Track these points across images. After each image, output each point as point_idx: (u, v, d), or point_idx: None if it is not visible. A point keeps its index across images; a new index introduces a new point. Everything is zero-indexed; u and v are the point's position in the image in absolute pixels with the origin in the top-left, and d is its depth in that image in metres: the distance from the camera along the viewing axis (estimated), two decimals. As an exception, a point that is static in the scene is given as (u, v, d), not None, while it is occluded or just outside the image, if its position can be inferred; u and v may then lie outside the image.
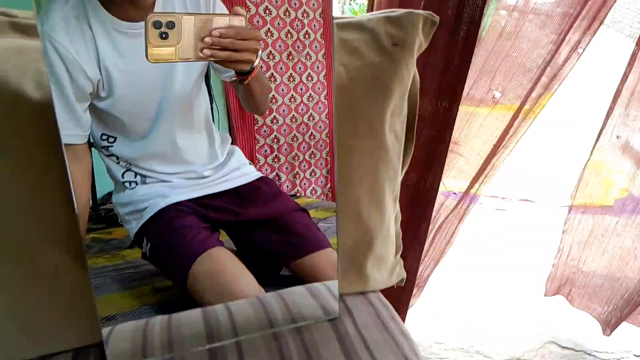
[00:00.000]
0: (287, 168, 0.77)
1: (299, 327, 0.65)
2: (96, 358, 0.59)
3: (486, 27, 1.11)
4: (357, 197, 0.69)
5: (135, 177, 0.67)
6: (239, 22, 0.53)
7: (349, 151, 0.65)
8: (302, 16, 0.68)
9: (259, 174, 0.73)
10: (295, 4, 0.68)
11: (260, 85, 0.61)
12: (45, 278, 0.56)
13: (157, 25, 0.52)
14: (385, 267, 0.80)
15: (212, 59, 0.54)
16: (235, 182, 0.73)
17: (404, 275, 0.87)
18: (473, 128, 1.20)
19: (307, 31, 0.68)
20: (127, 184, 0.66)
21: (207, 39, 0.53)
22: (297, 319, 0.67)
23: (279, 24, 0.73)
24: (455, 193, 1.29)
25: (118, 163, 0.64)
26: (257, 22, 0.84)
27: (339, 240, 0.69)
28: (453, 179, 1.27)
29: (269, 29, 0.70)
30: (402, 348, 0.65)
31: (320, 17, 0.66)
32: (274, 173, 0.75)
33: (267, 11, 0.74)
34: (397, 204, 0.81)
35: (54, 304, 0.58)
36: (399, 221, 0.84)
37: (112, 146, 0.64)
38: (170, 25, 0.52)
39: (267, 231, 0.72)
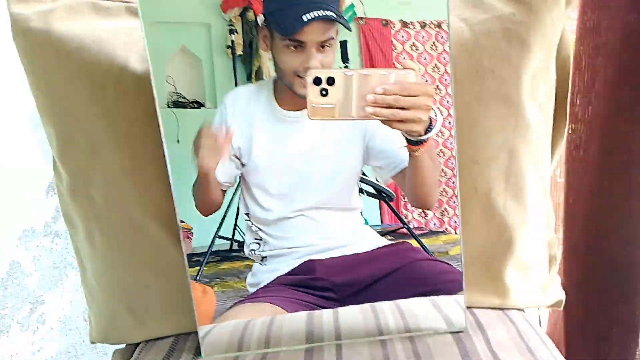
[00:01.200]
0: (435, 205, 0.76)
1: (413, 337, 0.54)
2: (193, 346, 0.56)
3: None
4: (487, 180, 0.56)
5: None
6: (408, 76, 0.49)
7: (474, 121, 0.54)
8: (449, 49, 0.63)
9: None
10: (442, 37, 0.64)
11: (431, 162, 0.58)
12: (147, 255, 0.56)
13: (317, 81, 0.51)
14: (534, 281, 0.63)
15: (375, 117, 0.51)
16: None
17: (562, 297, 0.68)
18: None
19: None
20: None
21: (370, 96, 0.50)
22: (413, 329, 0.55)
23: (425, 58, 0.69)
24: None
25: None
26: (404, 58, 0.84)
27: (463, 235, 0.56)
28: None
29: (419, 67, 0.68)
30: (553, 379, 0.49)
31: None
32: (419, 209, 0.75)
33: (414, 47, 0.72)
34: (549, 202, 0.65)
35: (156, 286, 0.58)
36: (553, 225, 0.67)
37: None
38: (331, 81, 0.51)
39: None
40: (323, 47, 0.75)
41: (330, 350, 0.53)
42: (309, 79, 0.51)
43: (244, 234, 0.92)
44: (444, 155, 0.71)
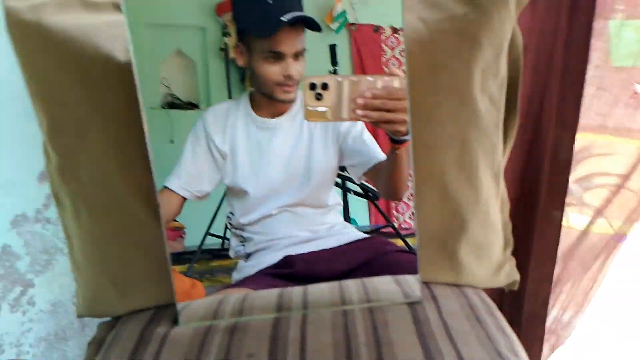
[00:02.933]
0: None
1: (372, 308, 0.59)
2: (172, 315, 0.61)
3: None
4: (441, 165, 0.61)
5: None
6: (393, 82, 0.54)
7: (429, 110, 0.59)
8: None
9: None
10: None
11: (407, 160, 0.64)
12: (130, 231, 0.61)
13: (312, 87, 0.57)
14: (489, 260, 0.68)
15: (365, 119, 0.57)
16: None
17: (517, 277, 0.74)
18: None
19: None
20: None
21: (360, 100, 0.56)
22: (373, 300, 0.61)
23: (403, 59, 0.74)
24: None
25: None
26: (393, 64, 0.90)
27: (419, 216, 0.61)
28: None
29: (404, 70, 0.73)
30: (496, 343, 0.54)
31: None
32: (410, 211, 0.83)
33: (403, 52, 0.76)
34: (503, 187, 0.70)
35: (138, 260, 0.62)
36: (507, 210, 0.72)
37: None
38: (325, 86, 0.56)
39: None
40: (297, 57, 0.82)
41: (297, 318, 0.58)
42: (305, 84, 0.56)
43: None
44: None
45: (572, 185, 1.01)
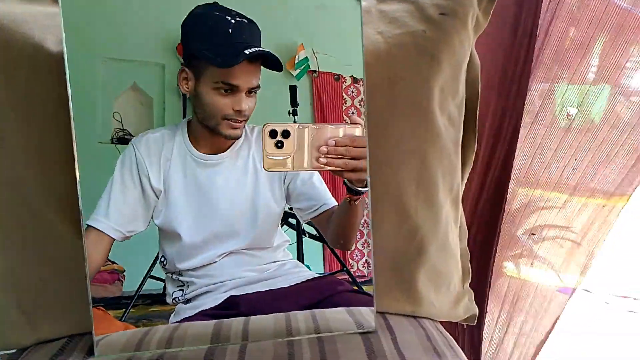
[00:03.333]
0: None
1: (322, 338, 0.53)
2: (86, 345, 0.52)
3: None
4: (398, 182, 0.57)
5: None
6: (356, 130, 0.53)
7: (386, 124, 0.56)
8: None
9: None
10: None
11: (362, 210, 0.62)
12: (45, 247, 0.53)
13: (272, 134, 0.55)
14: (448, 291, 0.64)
15: (328, 167, 0.55)
16: None
17: (476, 311, 0.70)
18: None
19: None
20: None
21: (323, 148, 0.54)
22: (323, 330, 0.54)
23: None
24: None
25: None
26: (353, 113, 0.90)
27: (375, 237, 0.57)
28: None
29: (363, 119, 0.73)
30: (456, 377, 0.48)
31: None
32: (364, 259, 0.81)
33: (363, 102, 0.77)
34: (461, 214, 0.67)
35: (53, 282, 0.54)
36: (465, 238, 0.69)
37: None
38: (286, 134, 0.54)
39: None
40: (250, 93, 0.78)
41: (234, 349, 0.51)
42: (265, 131, 0.55)
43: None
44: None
45: (521, 235, 1.02)
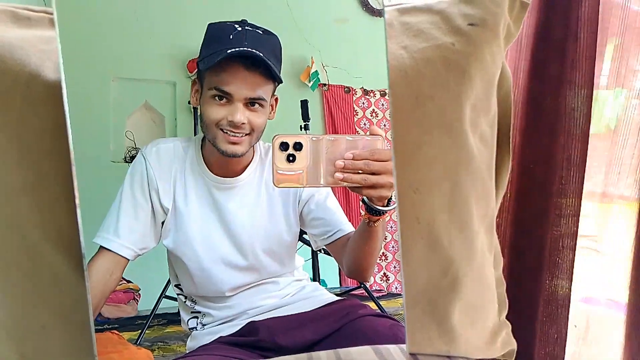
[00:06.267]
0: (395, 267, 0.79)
1: (350, 387, 0.47)
2: (91, 400, 0.47)
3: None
4: (429, 211, 0.52)
5: None
6: (376, 143, 0.49)
7: (414, 148, 0.51)
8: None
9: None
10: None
11: (382, 235, 0.58)
12: (46, 289, 0.48)
13: (283, 147, 0.49)
14: (483, 326, 0.59)
15: (345, 183, 0.49)
16: None
17: (514, 345, 0.64)
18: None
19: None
20: None
21: (339, 162, 0.49)
22: (350, 377, 0.49)
23: (385, 125, 0.71)
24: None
25: None
26: (365, 124, 0.88)
27: (406, 271, 0.52)
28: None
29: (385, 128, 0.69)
30: None
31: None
32: (382, 272, 0.78)
33: (374, 113, 0.73)
34: (496, 240, 0.62)
35: (55, 327, 0.50)
36: (500, 267, 0.64)
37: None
38: (298, 146, 0.48)
39: None
40: (253, 105, 0.74)
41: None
42: (276, 143, 0.49)
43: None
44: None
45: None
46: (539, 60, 0.79)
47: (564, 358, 0.85)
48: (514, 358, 0.65)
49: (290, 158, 0.48)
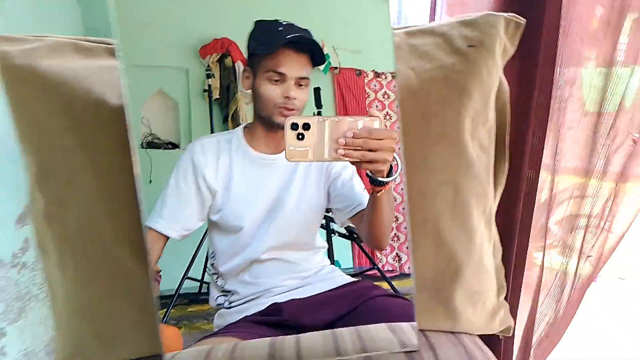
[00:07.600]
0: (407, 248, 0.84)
1: (370, 356, 0.57)
2: (157, 369, 0.58)
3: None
4: (435, 213, 0.61)
5: None
6: (374, 123, 0.56)
7: (421, 158, 0.60)
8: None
9: None
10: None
11: (388, 203, 0.64)
12: (116, 279, 0.58)
13: (294, 127, 0.57)
14: (483, 307, 0.68)
15: (346, 158, 0.57)
16: None
17: (511, 323, 0.73)
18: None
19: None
20: None
21: (341, 140, 0.57)
22: (369, 349, 0.59)
23: (397, 106, 0.77)
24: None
25: None
26: (377, 106, 0.93)
27: (415, 264, 0.61)
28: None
29: (387, 112, 0.74)
30: (496, 394, 0.52)
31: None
32: (394, 253, 0.82)
33: (386, 95, 0.80)
34: (495, 233, 0.70)
35: (123, 311, 0.60)
36: (499, 254, 0.72)
37: None
38: (306, 127, 0.57)
39: None
40: (300, 85, 0.82)
41: (290, 370, 0.56)
42: (287, 124, 0.57)
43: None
44: (396, 201, 0.77)
45: (552, 226, 1.02)
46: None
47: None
48: (510, 333, 0.74)
49: (300, 136, 0.56)
